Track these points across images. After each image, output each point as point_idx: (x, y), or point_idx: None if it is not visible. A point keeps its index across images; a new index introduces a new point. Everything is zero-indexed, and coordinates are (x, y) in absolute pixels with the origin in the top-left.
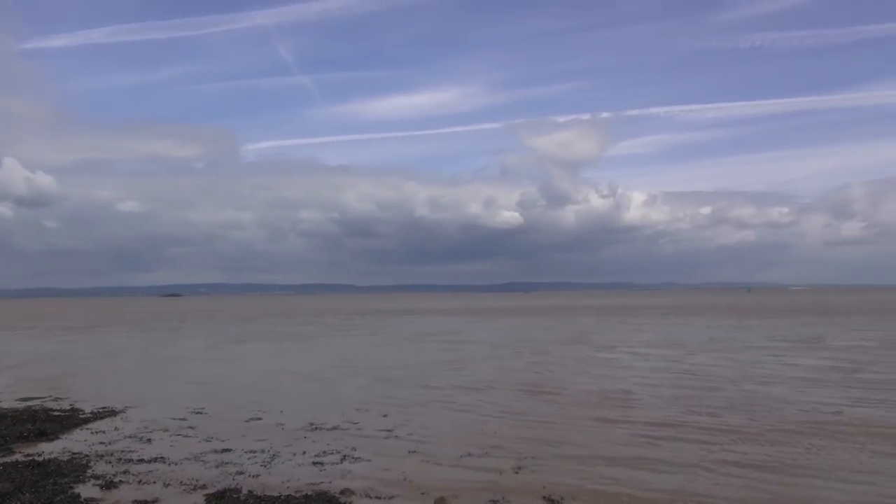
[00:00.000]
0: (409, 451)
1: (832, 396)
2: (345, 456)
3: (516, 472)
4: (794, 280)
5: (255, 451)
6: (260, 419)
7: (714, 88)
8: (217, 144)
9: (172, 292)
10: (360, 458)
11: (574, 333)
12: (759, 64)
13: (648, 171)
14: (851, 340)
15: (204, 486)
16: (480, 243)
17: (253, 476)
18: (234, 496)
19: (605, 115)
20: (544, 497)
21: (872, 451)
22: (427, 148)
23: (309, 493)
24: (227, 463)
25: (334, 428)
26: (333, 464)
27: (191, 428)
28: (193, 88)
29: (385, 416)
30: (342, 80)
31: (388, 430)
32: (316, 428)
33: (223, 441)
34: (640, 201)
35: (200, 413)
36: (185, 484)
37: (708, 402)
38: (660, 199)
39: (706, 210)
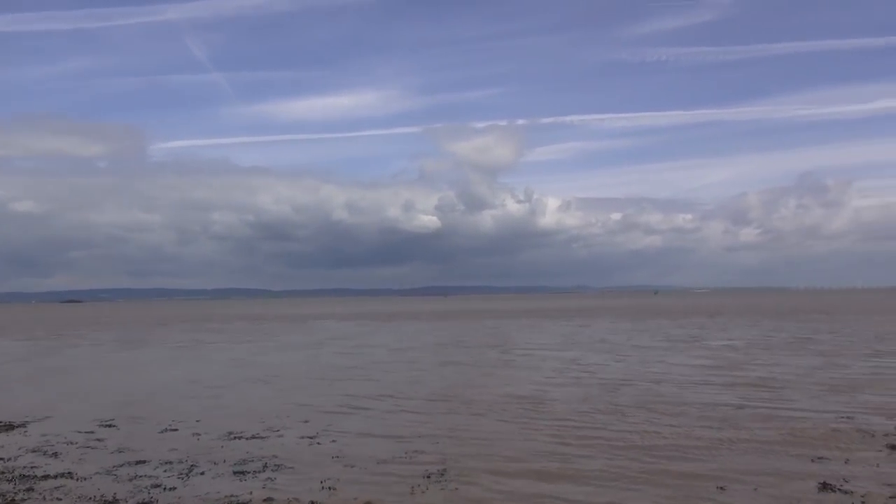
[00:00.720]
0: (333, 458)
1: (716, 393)
2: (266, 464)
3: (441, 476)
4: (697, 283)
5: (171, 463)
6: (175, 430)
7: (624, 99)
8: (123, 143)
9: (72, 298)
10: (282, 465)
11: (481, 336)
12: (665, 77)
13: (563, 178)
14: (725, 340)
15: (117, 501)
16: (399, 247)
17: (169, 489)
18: None
19: (521, 121)
20: (468, 499)
21: (764, 442)
22: (345, 151)
23: None
24: (141, 476)
25: (254, 436)
26: (255, 472)
27: (100, 441)
28: (98, 83)
29: (306, 422)
30: (257, 80)
31: (311, 437)
32: (235, 437)
33: (136, 453)
34: (554, 207)
35: (110, 425)
36: (96, 500)
37: (608, 401)
38: (573, 205)
39: (617, 216)
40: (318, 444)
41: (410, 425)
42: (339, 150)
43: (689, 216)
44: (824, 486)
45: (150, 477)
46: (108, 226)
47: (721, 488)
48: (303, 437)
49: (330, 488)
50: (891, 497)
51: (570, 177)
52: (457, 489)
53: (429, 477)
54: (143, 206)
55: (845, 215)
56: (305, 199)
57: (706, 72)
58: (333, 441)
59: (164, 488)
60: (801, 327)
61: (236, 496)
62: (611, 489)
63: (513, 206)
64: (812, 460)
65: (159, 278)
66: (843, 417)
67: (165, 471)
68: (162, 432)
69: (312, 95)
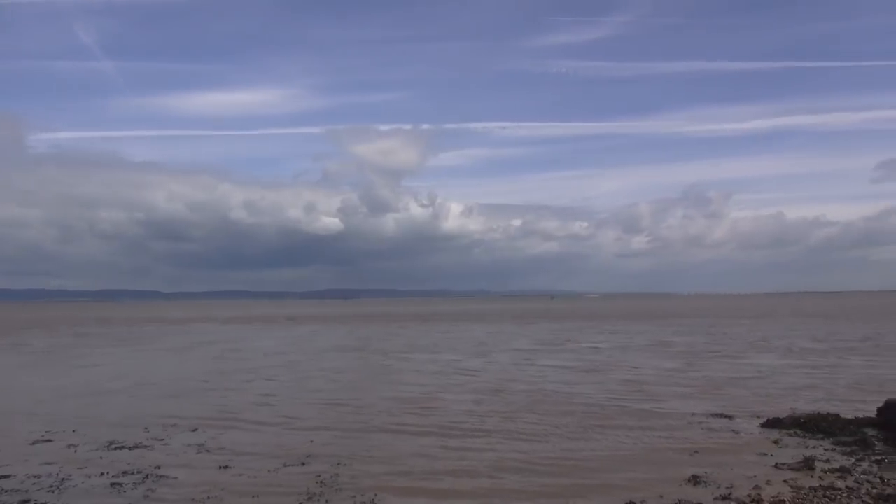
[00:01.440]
0: (221, 466)
1: (591, 390)
2: (148, 475)
3: (333, 480)
4: (590, 288)
5: (41, 476)
6: (49, 441)
7: (526, 108)
8: None
9: None
10: (165, 476)
11: (361, 340)
12: (565, 88)
13: (466, 183)
14: (592, 343)
15: None
16: (300, 249)
17: (39, 503)
18: None
19: (425, 126)
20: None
21: (634, 440)
22: (244, 149)
23: None
24: (7, 491)
25: (136, 446)
26: (135, 484)
27: None
28: None
29: (194, 430)
30: (152, 70)
31: (199, 445)
32: (116, 447)
33: (3, 467)
34: (457, 211)
35: None
36: None
37: (487, 400)
38: (476, 210)
39: (517, 222)
40: (208, 451)
41: (299, 432)
42: (238, 147)
43: (584, 223)
44: (693, 479)
45: (16, 491)
46: None
47: (600, 484)
48: (189, 446)
49: (216, 497)
50: (753, 488)
51: (472, 182)
52: (353, 496)
53: (322, 483)
54: (20, 201)
55: (724, 226)
56: (201, 198)
57: (602, 86)
58: (221, 449)
59: (33, 502)
60: (679, 330)
61: None
62: (498, 484)
63: (416, 210)
64: (687, 453)
65: (38, 278)
66: (712, 416)
67: (34, 484)
68: (34, 444)
69: (211, 90)
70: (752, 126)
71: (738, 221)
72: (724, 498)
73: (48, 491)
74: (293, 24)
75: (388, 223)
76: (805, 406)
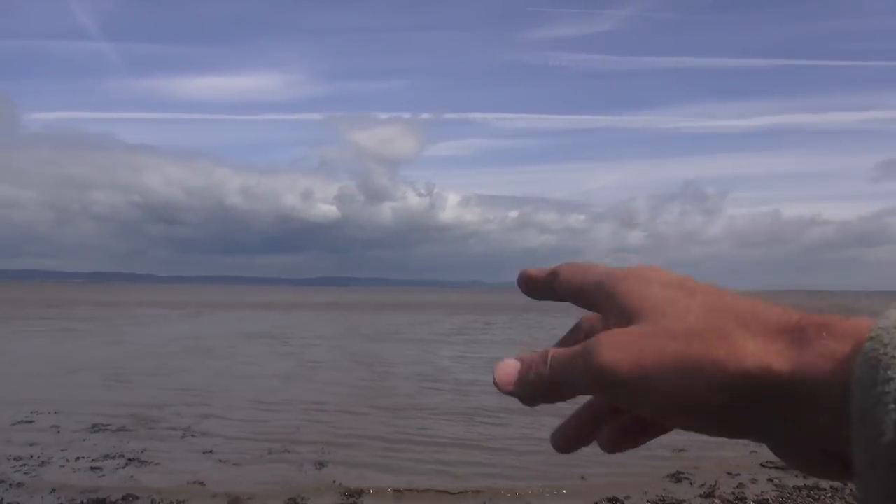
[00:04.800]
0: (204, 452)
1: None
2: (130, 459)
3: (318, 469)
4: None
5: (20, 458)
6: (31, 422)
7: (526, 100)
8: None
9: None
10: (148, 460)
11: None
12: (565, 81)
13: (464, 173)
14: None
15: None
16: (295, 236)
17: (15, 484)
18: None
19: (424, 115)
20: (342, 493)
21: None
22: (241, 134)
23: (83, 501)
24: None
25: (121, 429)
26: (116, 468)
27: None
28: None
29: (178, 415)
30: (149, 53)
31: (184, 429)
32: (99, 429)
33: None
34: (454, 202)
35: None
36: None
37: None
38: (473, 201)
39: (514, 213)
40: (192, 436)
41: (282, 418)
42: (236, 132)
43: (581, 217)
44: (676, 476)
45: None
46: None
47: (582, 478)
48: (174, 430)
49: (199, 483)
50: (737, 486)
51: (470, 173)
52: (334, 481)
53: (305, 469)
54: (13, 181)
55: (721, 223)
56: (197, 182)
57: (602, 79)
58: (206, 434)
59: (10, 484)
60: None
61: (91, 491)
62: (491, 471)
63: (413, 200)
64: (671, 451)
65: (31, 259)
66: None
67: (12, 466)
68: (14, 424)
69: (209, 74)
70: (752, 123)
71: (734, 219)
72: (707, 495)
73: (26, 473)
74: (293, 9)
75: (385, 212)
76: None
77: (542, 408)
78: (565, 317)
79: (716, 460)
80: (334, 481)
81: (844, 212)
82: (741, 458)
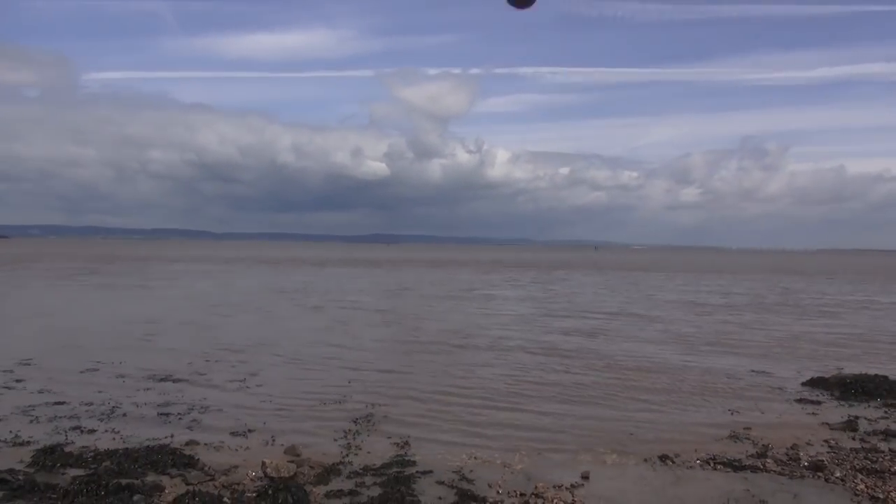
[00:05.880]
0: (262, 401)
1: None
2: (192, 407)
3: (373, 420)
4: (636, 240)
5: (92, 404)
6: (97, 370)
7: (579, 53)
8: (52, 70)
9: None
10: (209, 408)
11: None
12: (620, 32)
13: (514, 129)
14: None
15: (33, 442)
16: (345, 193)
17: (89, 430)
18: (67, 451)
19: (475, 70)
20: (395, 443)
21: (677, 392)
22: (292, 91)
23: (151, 446)
24: (60, 417)
25: (181, 379)
26: (180, 415)
27: (18, 381)
28: (25, 4)
29: (234, 366)
30: (203, 11)
31: (240, 381)
32: (161, 379)
33: (56, 394)
34: (504, 159)
35: (28, 364)
36: (10, 440)
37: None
38: (523, 158)
39: (565, 170)
40: (247, 387)
41: (339, 371)
42: (287, 90)
43: (634, 174)
44: (732, 436)
45: (70, 417)
46: (37, 159)
47: (631, 434)
48: (231, 381)
49: (256, 431)
50: (791, 447)
51: (521, 129)
52: (385, 432)
53: (355, 421)
54: (75, 140)
55: (781, 179)
56: (250, 140)
57: (660, 29)
58: (260, 385)
59: (83, 430)
60: (723, 285)
61: (158, 438)
62: (536, 431)
63: (463, 157)
64: (727, 411)
65: (94, 216)
66: (754, 372)
67: (86, 411)
68: (83, 372)
69: (260, 31)
70: (817, 74)
71: (795, 175)
72: (759, 455)
73: (98, 419)
74: None
75: (434, 169)
76: (853, 366)
77: (593, 365)
78: (595, 274)
79: (771, 422)
80: (387, 433)
81: None
82: (797, 419)
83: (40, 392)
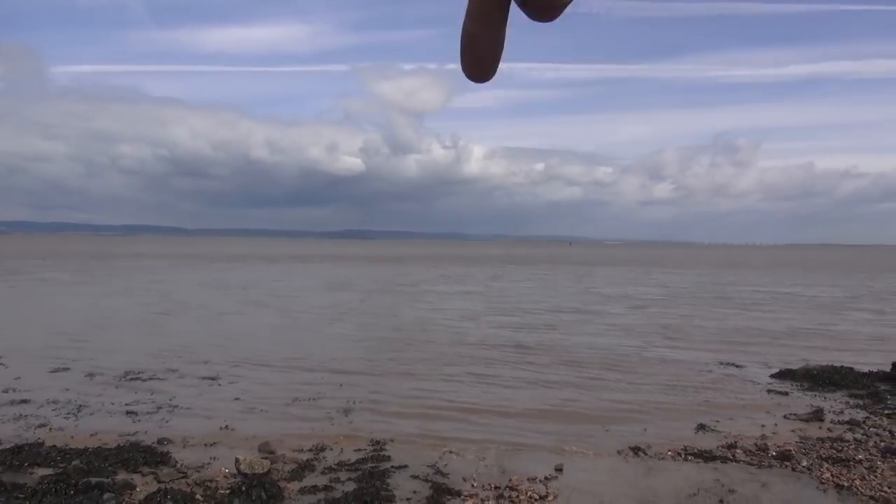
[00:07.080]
0: (234, 399)
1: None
2: (162, 405)
3: (344, 416)
4: (609, 236)
5: (59, 402)
6: (67, 369)
7: (554, 49)
8: (18, 63)
9: None
10: (179, 406)
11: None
12: (595, 29)
13: (490, 125)
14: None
15: None
16: (320, 189)
17: (57, 429)
18: (35, 450)
19: (451, 66)
20: (369, 439)
21: (650, 385)
22: (266, 86)
23: (122, 444)
24: (26, 416)
25: (152, 377)
26: (150, 413)
27: None
28: None
29: (206, 362)
30: (175, 3)
31: (212, 378)
32: (132, 377)
33: (22, 393)
34: (480, 154)
35: None
36: None
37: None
38: (499, 153)
39: (540, 166)
40: (220, 385)
41: (308, 368)
42: (260, 84)
43: (608, 169)
44: (700, 427)
45: (36, 416)
46: (2, 153)
47: (606, 430)
48: (203, 379)
49: (228, 428)
50: (760, 437)
51: (496, 124)
52: (360, 429)
53: (331, 419)
54: (42, 134)
55: (752, 175)
56: (222, 135)
57: (633, 27)
58: (233, 383)
59: (52, 427)
60: (690, 278)
61: (128, 436)
62: (508, 425)
63: (438, 152)
64: (698, 403)
65: (62, 212)
66: (722, 364)
67: (53, 410)
68: (53, 371)
69: (233, 25)
70: (788, 72)
71: (766, 171)
72: (730, 447)
73: (65, 417)
74: None
75: (410, 165)
76: (819, 358)
77: (559, 359)
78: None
79: (740, 414)
80: (360, 429)
81: (881, 164)
82: (765, 410)
83: (5, 392)
